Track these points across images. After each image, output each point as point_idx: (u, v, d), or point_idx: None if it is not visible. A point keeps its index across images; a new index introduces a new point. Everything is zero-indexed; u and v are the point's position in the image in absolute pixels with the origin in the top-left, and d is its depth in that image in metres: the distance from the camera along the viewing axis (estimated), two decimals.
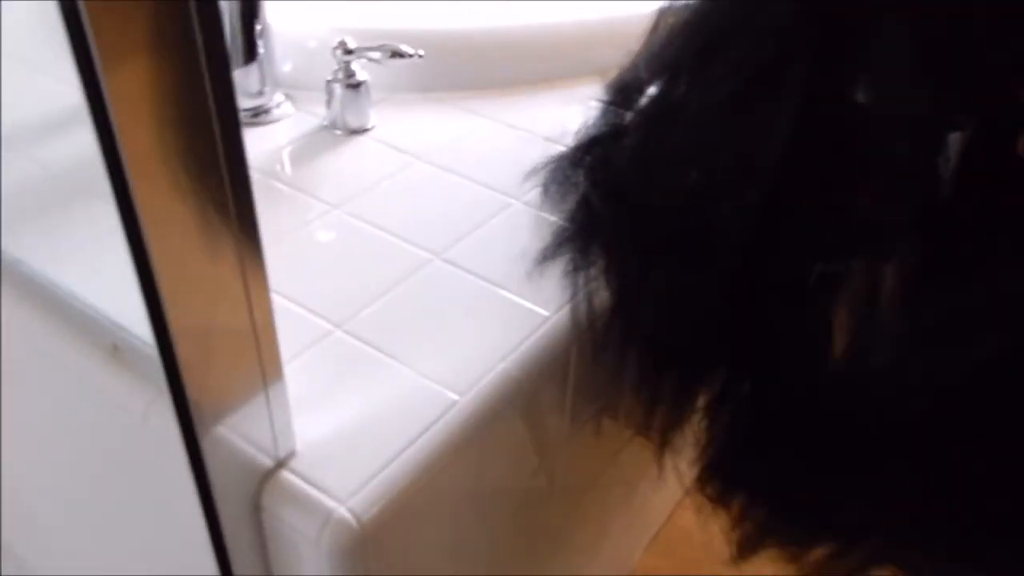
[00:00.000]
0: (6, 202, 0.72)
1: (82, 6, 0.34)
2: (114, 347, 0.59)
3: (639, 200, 0.67)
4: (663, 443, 0.72)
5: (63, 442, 0.70)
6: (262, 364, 0.50)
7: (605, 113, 0.74)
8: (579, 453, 0.79)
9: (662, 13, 0.67)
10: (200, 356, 0.46)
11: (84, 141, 0.85)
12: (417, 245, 0.70)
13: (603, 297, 0.66)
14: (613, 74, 0.73)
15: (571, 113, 0.89)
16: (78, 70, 0.37)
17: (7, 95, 0.85)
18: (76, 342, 0.60)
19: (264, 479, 0.52)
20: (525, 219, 0.74)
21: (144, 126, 0.39)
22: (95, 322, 0.60)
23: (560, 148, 0.79)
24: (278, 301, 0.63)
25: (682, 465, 0.73)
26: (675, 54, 0.68)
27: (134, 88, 0.37)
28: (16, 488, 0.87)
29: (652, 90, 0.70)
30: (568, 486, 0.81)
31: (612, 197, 0.69)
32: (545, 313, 0.64)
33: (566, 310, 0.65)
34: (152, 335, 0.46)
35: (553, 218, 0.73)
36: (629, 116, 0.73)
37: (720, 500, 0.68)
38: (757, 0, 0.59)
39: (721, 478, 0.68)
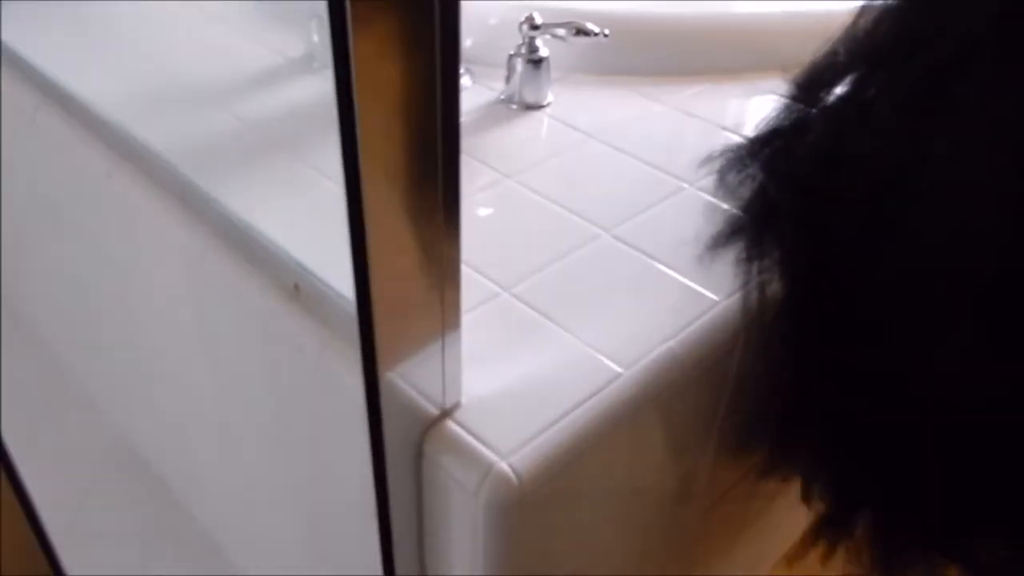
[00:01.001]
0: (207, 148, 0.77)
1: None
2: (295, 287, 0.62)
3: (819, 196, 0.65)
4: (814, 457, 0.70)
5: (236, 381, 0.75)
6: (444, 315, 0.51)
7: (788, 108, 0.72)
8: (721, 461, 0.77)
9: (863, 10, 0.65)
10: (391, 301, 0.48)
11: (277, 101, 0.90)
12: (587, 219, 0.70)
13: (775, 289, 0.64)
14: (798, 70, 0.71)
15: (752, 106, 0.87)
16: (333, 45, 0.39)
17: (210, 57, 0.91)
18: (261, 280, 0.64)
19: (429, 427, 0.53)
20: (697, 204, 0.72)
21: (382, 99, 0.40)
22: (281, 262, 0.63)
23: (739, 139, 0.78)
24: None
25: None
26: (872, 52, 0.65)
27: (379, 69, 0.39)
28: (183, 424, 0.93)
29: (839, 89, 0.68)
30: (705, 491, 0.79)
31: (792, 189, 0.67)
32: (715, 297, 0.63)
33: (736, 297, 0.63)
34: (352, 277, 0.48)
35: (726, 206, 0.71)
36: (813, 113, 0.71)
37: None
38: (959, 3, 0.56)
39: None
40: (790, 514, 1.07)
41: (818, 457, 0.68)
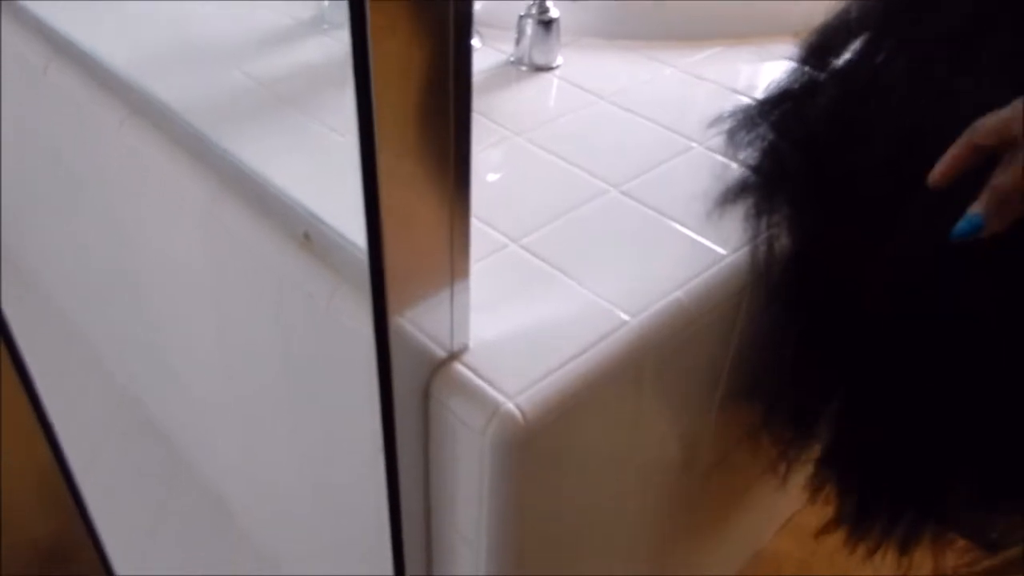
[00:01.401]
0: (219, 104, 0.77)
1: None
2: (305, 235, 0.62)
3: (830, 156, 0.65)
4: (813, 415, 0.70)
5: (246, 330, 0.75)
6: (453, 261, 0.51)
7: (799, 71, 0.72)
8: (725, 422, 0.77)
9: None
10: (401, 247, 0.48)
11: (287, 60, 0.90)
12: (595, 175, 0.70)
13: (783, 244, 0.64)
14: (808, 34, 0.71)
15: (762, 69, 0.87)
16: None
17: (220, 19, 0.91)
18: (272, 229, 0.64)
19: (436, 369, 0.54)
20: (706, 163, 0.72)
21: (396, 51, 0.41)
22: (291, 211, 0.63)
23: (749, 101, 0.78)
24: None
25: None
26: (882, 16, 0.65)
27: (394, 20, 0.40)
28: (191, 377, 0.94)
29: (849, 53, 0.68)
30: (709, 454, 0.79)
31: (802, 149, 0.67)
32: (722, 251, 0.63)
33: (744, 251, 0.63)
34: (365, 224, 0.48)
35: (736, 165, 0.71)
36: (823, 76, 0.71)
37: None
38: None
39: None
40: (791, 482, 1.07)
41: (823, 408, 0.69)
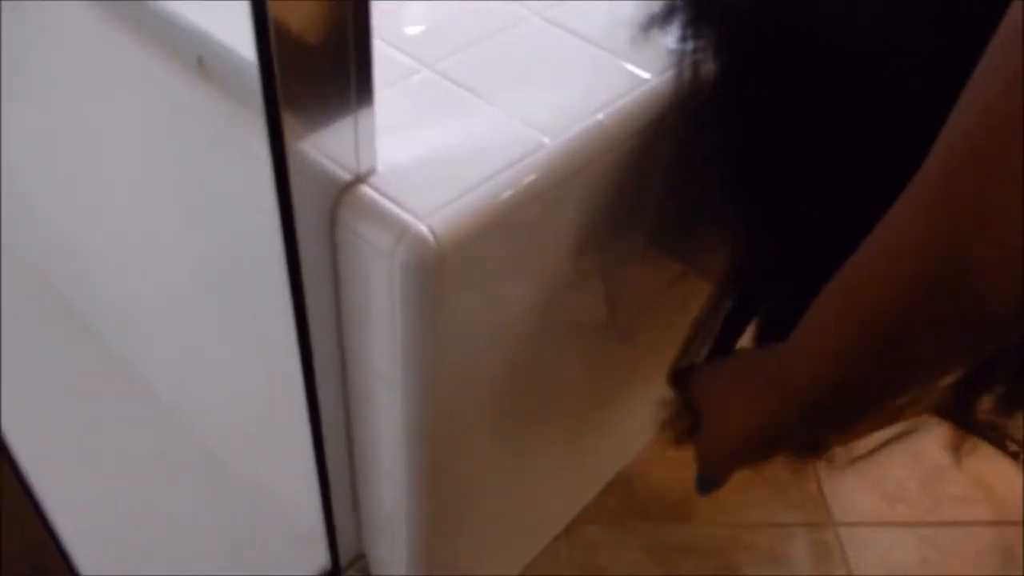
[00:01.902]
0: None
1: None
2: (199, 60, 0.57)
3: None
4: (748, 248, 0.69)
5: (145, 168, 0.70)
6: (355, 79, 0.47)
7: None
8: (649, 268, 0.76)
9: None
10: (296, 66, 0.44)
11: None
12: (517, 0, 0.66)
13: (708, 69, 0.61)
14: None
15: None
16: None
17: None
18: (163, 56, 0.59)
19: (342, 193, 0.51)
20: None
21: None
22: (183, 33, 0.58)
23: None
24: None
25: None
26: None
27: None
28: (91, 228, 0.89)
29: None
30: (638, 299, 0.79)
31: None
32: (646, 75, 0.60)
33: (669, 76, 0.60)
34: (254, 43, 0.44)
35: None
36: None
37: None
38: None
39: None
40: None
41: (748, 244, 0.68)
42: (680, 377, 0.63)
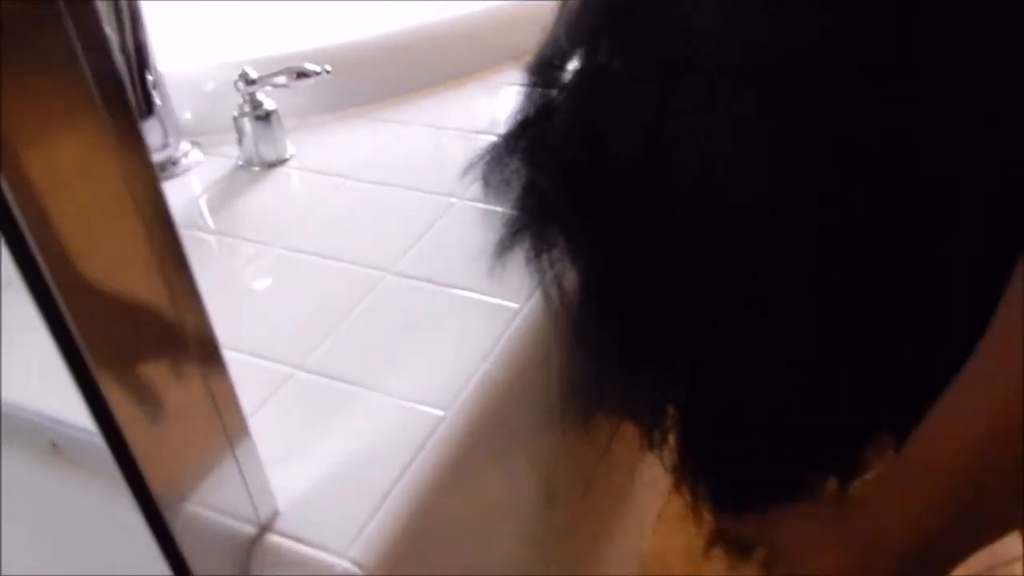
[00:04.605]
0: None
1: None
2: (52, 445, 0.53)
3: (585, 173, 0.64)
4: (652, 421, 0.69)
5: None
6: (225, 427, 0.44)
7: (530, 95, 0.71)
8: (573, 450, 0.75)
9: None
10: (154, 435, 0.41)
11: None
12: (364, 265, 0.65)
13: (572, 277, 0.62)
14: (530, 56, 0.70)
15: (497, 102, 0.86)
16: None
17: None
18: (15, 445, 0.54)
19: (250, 548, 0.47)
20: (472, 216, 0.69)
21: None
22: (31, 422, 0.54)
23: (492, 138, 0.75)
24: (226, 354, 0.58)
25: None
26: (590, 23, 0.65)
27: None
28: None
29: (573, 64, 0.67)
30: (568, 485, 0.77)
31: (558, 174, 0.66)
32: (515, 305, 0.60)
33: (537, 297, 0.60)
34: (96, 424, 0.40)
35: (501, 209, 0.68)
36: (555, 93, 0.70)
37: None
38: None
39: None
40: (655, 485, 1.07)
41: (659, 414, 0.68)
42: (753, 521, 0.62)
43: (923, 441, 0.44)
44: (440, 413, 0.52)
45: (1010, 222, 0.46)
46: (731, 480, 0.66)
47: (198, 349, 0.41)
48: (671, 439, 0.70)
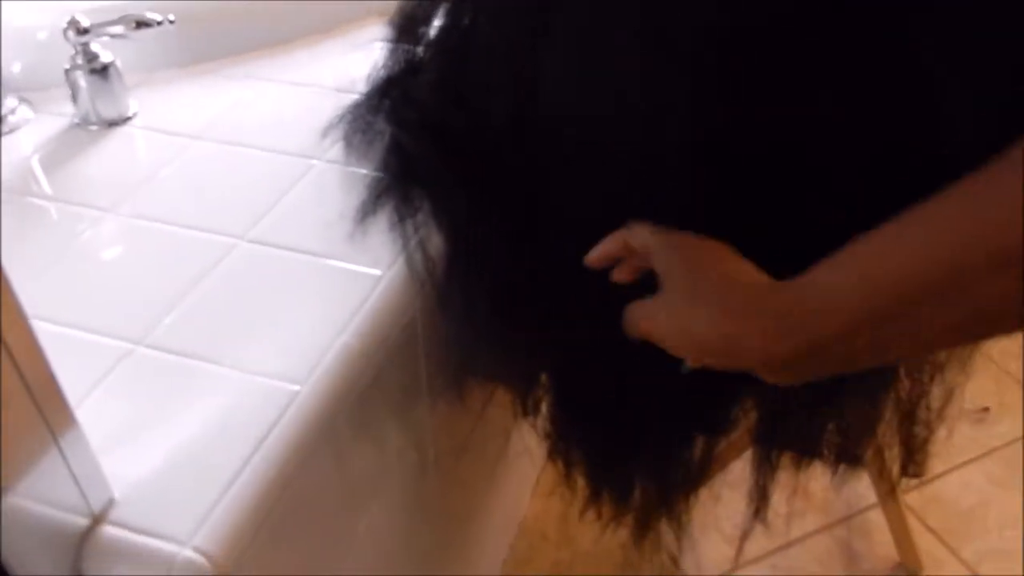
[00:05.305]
0: None
1: None
2: None
3: (453, 131, 0.61)
4: (524, 388, 0.68)
5: None
6: (45, 416, 0.40)
7: (395, 52, 0.68)
8: (448, 418, 0.73)
9: None
10: None
11: None
12: (215, 231, 0.60)
13: (437, 242, 0.60)
14: (394, 11, 0.67)
15: (358, 60, 0.81)
16: None
17: None
18: None
19: (81, 541, 0.43)
20: (333, 179, 0.66)
21: None
22: None
23: (354, 97, 0.72)
24: (60, 331, 0.53)
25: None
26: None
27: None
28: None
29: (438, 21, 0.64)
30: (441, 454, 0.75)
31: (423, 134, 0.63)
32: (377, 272, 0.57)
33: (400, 264, 0.58)
34: None
35: (363, 171, 0.65)
36: (420, 51, 0.67)
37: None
38: None
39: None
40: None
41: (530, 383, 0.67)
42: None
43: (896, 238, 0.42)
44: (295, 388, 0.49)
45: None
46: (602, 444, 0.66)
47: (11, 338, 0.37)
48: (544, 408, 0.70)
